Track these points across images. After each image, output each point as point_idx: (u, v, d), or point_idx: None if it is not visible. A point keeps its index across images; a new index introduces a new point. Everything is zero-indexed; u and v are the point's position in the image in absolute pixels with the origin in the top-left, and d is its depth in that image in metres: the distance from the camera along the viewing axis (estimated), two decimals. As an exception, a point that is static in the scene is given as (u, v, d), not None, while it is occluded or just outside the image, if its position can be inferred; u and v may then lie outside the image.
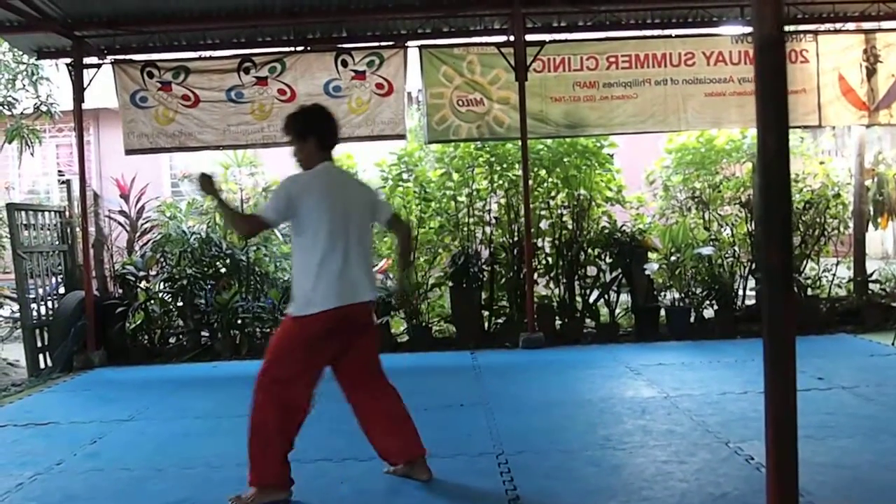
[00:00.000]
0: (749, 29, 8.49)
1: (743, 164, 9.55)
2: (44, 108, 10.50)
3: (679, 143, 9.57)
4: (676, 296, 9.05)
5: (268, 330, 8.87)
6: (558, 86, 8.77)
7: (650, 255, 8.99)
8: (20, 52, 9.87)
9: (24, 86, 10.49)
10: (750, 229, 9.04)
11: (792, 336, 2.56)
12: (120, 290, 9.31)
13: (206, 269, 9.11)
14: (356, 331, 4.05)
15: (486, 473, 4.32)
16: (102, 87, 8.98)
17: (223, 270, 9.19)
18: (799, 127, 9.30)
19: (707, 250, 8.70)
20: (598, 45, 8.82)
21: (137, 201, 11.36)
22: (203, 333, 9.06)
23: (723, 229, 9.29)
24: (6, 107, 10.34)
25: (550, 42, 8.74)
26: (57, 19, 8.23)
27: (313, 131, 4.14)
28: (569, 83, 8.78)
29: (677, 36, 8.96)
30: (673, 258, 8.86)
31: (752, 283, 9.20)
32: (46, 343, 8.67)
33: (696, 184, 9.46)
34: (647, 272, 8.76)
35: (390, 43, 8.88)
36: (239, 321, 8.87)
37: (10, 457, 5.07)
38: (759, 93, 2.54)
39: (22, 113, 10.53)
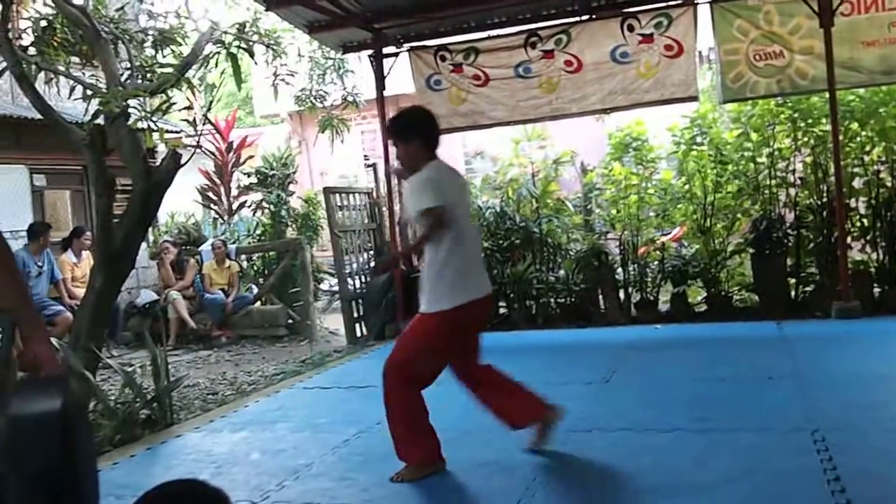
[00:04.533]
0: None
1: None
2: (350, 99, 11.35)
3: None
4: None
5: (563, 300, 8.98)
6: (871, 28, 7.91)
7: None
8: (328, 49, 10.75)
9: (332, 79, 11.43)
10: None
11: None
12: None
13: (501, 241, 9.40)
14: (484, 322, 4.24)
15: (800, 451, 4.01)
16: (400, 74, 9.54)
17: (517, 242, 9.42)
18: None
19: None
20: (918, -23, 7.84)
21: (435, 180, 11.91)
22: (500, 304, 9.37)
23: None
24: (318, 100, 11.32)
25: (860, -19, 7.92)
26: (358, 15, 8.85)
27: (418, 132, 4.11)
28: (883, 24, 7.88)
29: None
30: None
31: None
32: (361, 313, 9.44)
33: None
34: None
35: (679, 1, 8.51)
36: (534, 292, 9.06)
37: (337, 415, 5.60)
38: None
39: (332, 104, 11.48)
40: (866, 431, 4.27)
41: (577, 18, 8.87)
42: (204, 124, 6.70)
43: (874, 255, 8.38)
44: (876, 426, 4.35)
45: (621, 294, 8.97)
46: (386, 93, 9.54)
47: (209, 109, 7.65)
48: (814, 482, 3.58)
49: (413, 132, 4.13)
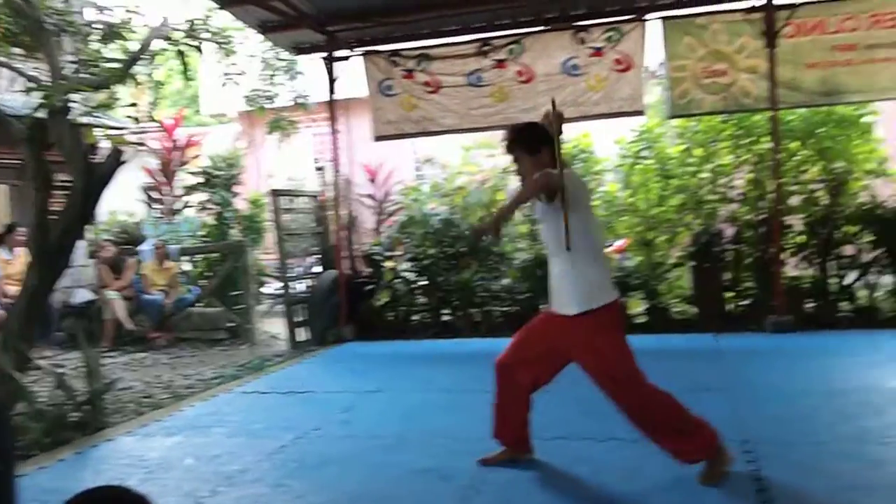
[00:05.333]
0: None
1: None
2: (300, 101, 11.30)
3: (957, 108, 8.58)
4: (951, 277, 8.15)
5: (506, 308, 9.02)
6: (813, 51, 8.12)
7: (919, 232, 8.15)
8: (279, 50, 10.67)
9: (282, 81, 11.35)
10: None
11: None
12: (368, 270, 9.85)
13: (447, 249, 9.41)
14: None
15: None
16: (352, 78, 9.50)
17: (463, 250, 9.44)
18: None
19: None
20: (859, 3, 8.02)
21: (384, 185, 11.96)
22: (444, 311, 9.39)
23: None
24: (268, 100, 11.24)
25: (803, 4, 8.09)
26: (311, 17, 8.80)
27: (544, 142, 3.89)
28: (825, 47, 8.09)
29: (954, -13, 7.98)
30: (947, 236, 7.97)
31: None
32: (304, 318, 9.36)
33: (977, 152, 8.45)
34: (915, 251, 7.96)
35: (629, 16, 8.64)
36: (478, 300, 9.09)
37: (274, 420, 5.53)
38: None
39: (281, 106, 11.40)
40: (795, 444, 4.37)
41: (530, 29, 8.94)
42: (149, 122, 6.58)
43: (808, 272, 8.59)
44: (803, 439, 4.45)
45: (565, 304, 9.03)
46: (337, 96, 9.49)
47: (155, 107, 7.55)
48: (742, 493, 3.67)
49: (541, 142, 3.92)
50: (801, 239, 8.60)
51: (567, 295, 3.81)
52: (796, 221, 8.71)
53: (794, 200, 8.68)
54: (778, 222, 8.13)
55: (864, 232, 8.38)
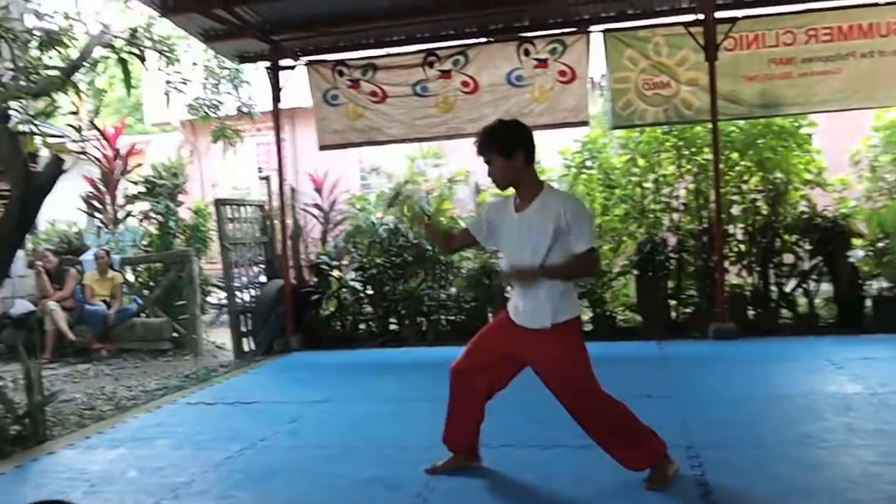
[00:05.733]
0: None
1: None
2: (244, 110, 11.20)
3: (888, 120, 8.88)
4: (885, 285, 8.39)
5: (453, 317, 9.04)
6: (752, 64, 8.33)
7: (854, 241, 8.39)
8: (223, 59, 10.57)
9: (227, 90, 11.24)
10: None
11: None
12: (315, 279, 9.79)
13: (393, 258, 9.40)
14: None
15: (676, 466, 4.18)
16: (297, 87, 9.46)
17: (410, 259, 9.45)
18: None
19: (922, 235, 8.01)
20: (796, 18, 8.29)
21: (330, 194, 11.90)
22: (391, 320, 9.37)
23: (939, 213, 8.52)
24: (212, 109, 11.12)
25: (743, 18, 8.31)
26: (256, 26, 8.74)
27: (521, 145, 3.78)
28: (763, 60, 8.31)
29: (886, 3, 8.22)
30: (881, 244, 8.21)
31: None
32: (250, 328, 9.26)
33: (908, 164, 8.74)
34: (850, 259, 8.20)
35: (573, 29, 8.76)
36: (425, 309, 9.10)
37: (219, 431, 5.46)
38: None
39: (226, 115, 11.29)
40: (738, 448, 4.46)
41: (475, 40, 9.01)
42: (90, 130, 6.46)
43: (749, 280, 8.78)
44: (747, 443, 4.54)
45: (511, 312, 9.06)
46: (282, 105, 9.44)
47: (97, 115, 7.42)
48: (687, 497, 3.73)
49: (516, 145, 3.77)
50: (743, 247, 8.80)
51: (539, 307, 3.77)
52: (737, 230, 8.90)
53: (736, 210, 8.87)
54: (720, 231, 8.30)
55: (802, 241, 8.61)
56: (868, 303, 8.39)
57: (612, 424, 3.84)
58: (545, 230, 3.73)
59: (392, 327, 9.36)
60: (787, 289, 8.67)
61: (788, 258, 8.71)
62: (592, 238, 3.81)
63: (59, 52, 6.45)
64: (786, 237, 8.66)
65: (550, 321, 3.75)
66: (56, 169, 5.44)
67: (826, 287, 8.70)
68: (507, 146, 3.77)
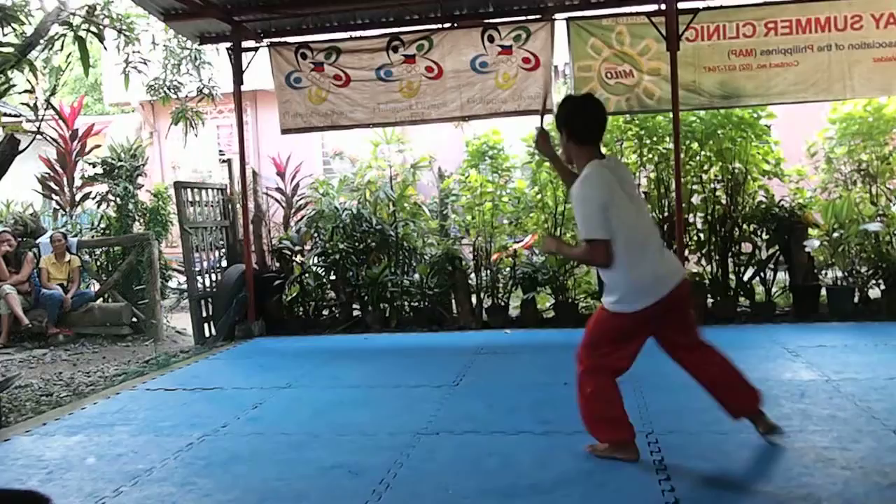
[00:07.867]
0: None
1: (916, 133, 8.90)
2: (206, 91, 11.06)
3: (844, 113, 9.02)
4: (839, 274, 8.58)
5: (416, 304, 9.05)
6: (712, 55, 8.42)
7: (810, 231, 8.55)
8: (184, 39, 10.42)
9: (187, 70, 11.10)
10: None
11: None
12: (277, 264, 9.73)
13: (357, 243, 9.38)
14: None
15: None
16: (259, 69, 9.35)
17: (373, 245, 9.43)
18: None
19: (874, 226, 8.18)
20: (756, 10, 8.39)
21: (293, 179, 11.81)
22: (354, 306, 9.36)
23: (892, 204, 8.71)
24: (172, 90, 10.97)
25: (704, 9, 8.38)
26: (217, 5, 8.61)
27: (564, 123, 3.90)
28: (724, 52, 8.40)
29: (843, -3, 8.37)
30: (836, 234, 8.39)
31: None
32: (211, 313, 9.18)
33: (863, 155, 8.91)
34: (806, 249, 8.36)
35: (537, 16, 8.76)
36: (388, 295, 9.10)
37: (181, 418, 5.42)
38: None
39: (186, 96, 11.14)
40: (697, 434, 4.55)
41: (440, 26, 8.98)
42: (46, 109, 6.32)
43: (708, 268, 8.90)
44: (705, 429, 4.62)
45: (474, 299, 9.12)
46: (244, 87, 9.32)
47: (53, 94, 7.26)
48: (647, 482, 3.79)
49: (561, 123, 3.87)
50: (702, 236, 8.91)
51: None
52: (697, 219, 9.02)
53: (696, 199, 8.98)
54: (680, 220, 8.39)
55: (760, 230, 8.75)
56: (823, 292, 8.56)
57: (600, 403, 4.07)
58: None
59: (355, 313, 9.35)
60: (745, 277, 8.81)
61: (746, 247, 8.85)
62: (591, 227, 3.83)
63: (14, 28, 6.32)
64: (744, 227, 8.80)
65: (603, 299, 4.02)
66: (11, 149, 5.35)
67: (782, 276, 8.86)
68: (558, 123, 3.96)
